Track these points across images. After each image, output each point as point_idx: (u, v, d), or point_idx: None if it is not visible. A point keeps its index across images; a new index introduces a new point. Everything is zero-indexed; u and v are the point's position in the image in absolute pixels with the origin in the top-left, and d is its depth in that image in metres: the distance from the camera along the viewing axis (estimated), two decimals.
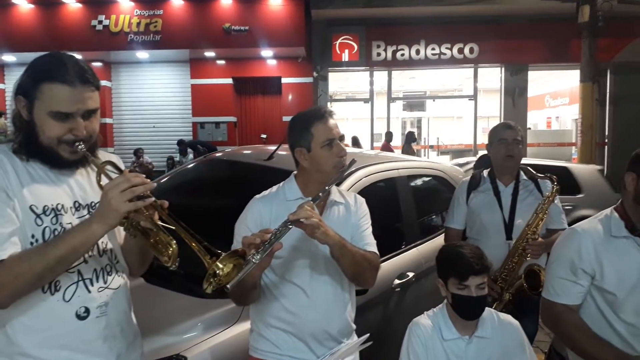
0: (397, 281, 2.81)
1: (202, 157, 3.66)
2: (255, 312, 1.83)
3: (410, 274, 2.90)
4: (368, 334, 1.82)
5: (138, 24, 11.28)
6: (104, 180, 1.33)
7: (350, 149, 5.51)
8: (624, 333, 1.71)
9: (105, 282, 1.43)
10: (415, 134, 14.42)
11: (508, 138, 2.71)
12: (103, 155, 1.49)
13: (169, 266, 1.31)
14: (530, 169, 2.85)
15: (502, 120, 12.07)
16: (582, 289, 1.78)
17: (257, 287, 1.70)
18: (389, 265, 2.83)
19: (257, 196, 1.85)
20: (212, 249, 1.27)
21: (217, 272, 1.26)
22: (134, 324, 1.57)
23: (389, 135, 11.63)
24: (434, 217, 3.72)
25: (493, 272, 2.61)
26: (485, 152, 3.19)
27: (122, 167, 1.45)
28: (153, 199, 1.27)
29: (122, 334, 1.47)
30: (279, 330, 1.76)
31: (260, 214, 1.77)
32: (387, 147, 11.22)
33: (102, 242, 1.44)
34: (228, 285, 1.32)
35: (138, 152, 11.53)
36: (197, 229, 2.64)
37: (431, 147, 13.34)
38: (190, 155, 11.26)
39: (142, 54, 11.82)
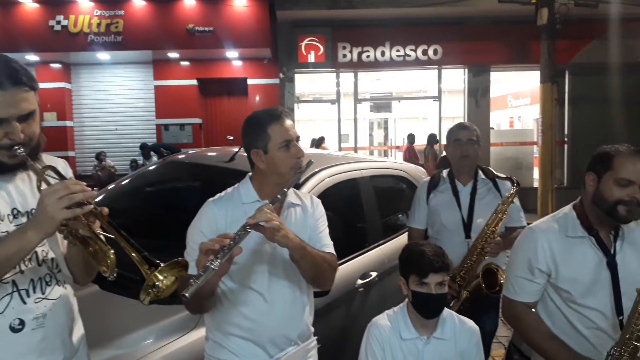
0: (360, 281, 2.81)
1: (162, 159, 3.57)
2: (212, 320, 1.78)
3: (374, 274, 2.91)
4: (315, 338, 1.80)
5: (98, 24, 11.00)
6: (44, 187, 1.28)
7: (313, 150, 5.54)
8: (581, 329, 1.75)
9: (43, 293, 1.37)
10: (383, 135, 14.60)
11: (462, 138, 2.76)
12: (48, 159, 1.43)
13: (107, 276, 1.26)
14: (491, 169, 2.90)
15: (466, 120, 12.34)
16: (539, 286, 1.82)
17: (214, 294, 1.64)
18: (352, 266, 2.83)
19: (211, 199, 1.80)
20: (152, 259, 1.23)
21: (157, 283, 1.22)
22: (80, 335, 1.51)
23: (411, 137, 11.46)
24: (396, 216, 3.75)
25: (452, 270, 2.64)
26: None
27: (69, 172, 1.41)
28: (92, 206, 1.23)
29: (63, 346, 1.41)
30: (237, 338, 1.72)
31: (215, 218, 1.71)
32: (410, 149, 11.11)
33: (43, 251, 1.38)
34: (186, 294, 1.29)
35: (100, 156, 11.28)
36: (154, 233, 2.59)
37: (397, 147, 13.47)
38: (154, 159, 11.05)
39: (103, 55, 11.53)
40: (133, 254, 1.21)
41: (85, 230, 1.26)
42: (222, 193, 1.82)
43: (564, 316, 1.79)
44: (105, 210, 1.28)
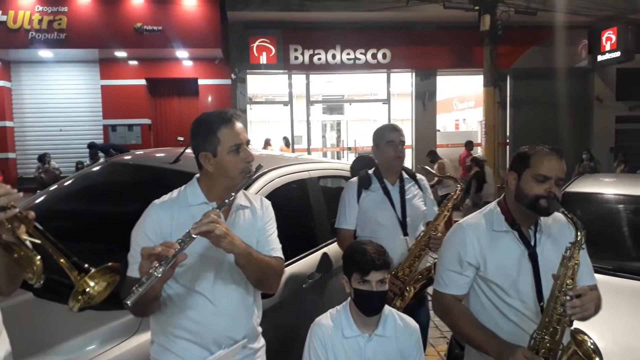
0: (307, 281, 2.84)
1: (105, 160, 3.48)
2: (157, 323, 1.73)
3: (321, 273, 2.94)
4: (245, 339, 1.78)
5: (40, 21, 10.61)
6: None
7: (263, 151, 5.51)
8: (512, 317, 1.85)
9: None
10: (336, 137, 14.74)
11: (395, 140, 2.82)
12: None
13: (34, 284, 1.21)
14: (409, 168, 3.01)
15: (414, 123, 12.68)
16: (468, 279, 1.92)
17: (159, 298, 1.61)
18: (300, 266, 2.85)
19: (156, 201, 1.75)
20: (82, 264, 1.18)
21: (87, 289, 1.17)
22: (5, 347, 1.43)
23: (470, 144, 11.00)
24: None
25: (393, 268, 2.71)
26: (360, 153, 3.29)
27: None
28: (17, 210, 1.18)
29: None
30: (183, 340, 1.69)
31: (159, 221, 1.67)
32: (468, 154, 10.67)
33: None
34: (128, 302, 1.25)
35: (44, 158, 10.82)
36: (95, 236, 2.53)
37: (349, 149, 13.64)
38: (102, 160, 10.72)
39: (46, 53, 11.12)
40: (61, 260, 1.16)
41: (9, 235, 1.19)
42: (168, 195, 1.78)
43: (496, 308, 1.87)
44: (32, 214, 1.22)
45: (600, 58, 12.67)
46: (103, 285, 1.21)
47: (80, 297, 1.18)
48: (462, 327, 1.89)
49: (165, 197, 1.77)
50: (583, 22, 12.09)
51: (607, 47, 12.43)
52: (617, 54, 12.20)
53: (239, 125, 1.72)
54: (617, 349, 2.17)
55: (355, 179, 2.96)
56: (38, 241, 1.20)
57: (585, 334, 1.64)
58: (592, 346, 1.59)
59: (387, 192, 2.84)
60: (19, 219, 1.20)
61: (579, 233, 1.68)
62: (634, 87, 13.41)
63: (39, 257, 1.20)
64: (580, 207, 3.32)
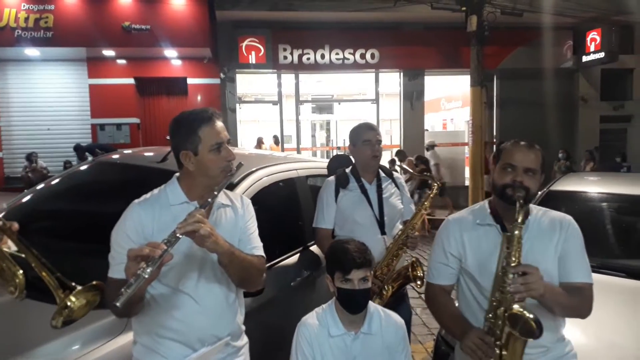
0: (296, 279, 2.85)
1: (91, 159, 3.46)
2: (140, 323, 1.73)
3: (309, 272, 2.96)
4: (228, 337, 1.78)
5: (26, 19, 10.48)
6: None
7: (252, 150, 5.45)
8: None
9: None
10: (326, 136, 14.78)
11: (372, 139, 2.83)
12: None
13: (16, 297, 1.20)
14: (385, 167, 3.03)
15: (402, 123, 12.75)
16: (453, 270, 1.98)
17: (143, 298, 1.61)
18: (287, 264, 2.87)
19: (136, 201, 1.74)
20: (66, 281, 1.17)
21: (70, 305, 1.16)
22: None
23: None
24: None
25: (373, 266, 2.75)
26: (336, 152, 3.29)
27: None
28: (0, 222, 1.17)
29: None
30: (168, 340, 1.69)
31: (141, 221, 1.66)
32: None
33: None
34: (117, 304, 1.25)
35: (31, 157, 10.76)
36: (81, 236, 2.51)
37: (338, 148, 13.68)
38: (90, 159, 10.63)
39: (33, 52, 11.01)
40: (44, 274, 1.15)
41: None
42: (148, 194, 1.77)
43: (476, 301, 1.91)
44: (15, 226, 1.20)
45: (585, 59, 12.83)
46: (83, 302, 1.20)
47: (63, 311, 1.17)
48: (440, 314, 1.97)
49: (145, 197, 1.76)
50: (568, 24, 12.24)
51: (592, 48, 12.60)
52: (602, 54, 12.37)
53: (219, 123, 1.72)
54: (601, 346, 2.23)
55: (332, 177, 2.95)
56: (22, 255, 1.17)
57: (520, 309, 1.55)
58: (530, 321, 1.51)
59: (364, 191, 2.86)
60: (2, 231, 1.19)
61: (520, 216, 1.69)
62: (618, 88, 13.64)
63: (21, 271, 1.18)
64: (564, 206, 3.37)
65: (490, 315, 1.69)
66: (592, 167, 11.35)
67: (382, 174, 2.95)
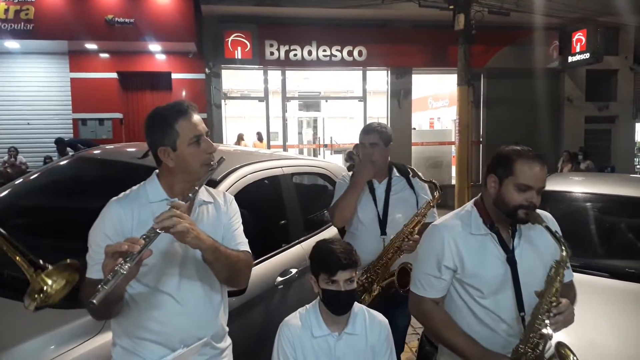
0: (279, 278, 2.81)
1: (72, 155, 3.38)
2: (119, 325, 1.68)
3: (294, 271, 2.92)
4: (206, 339, 1.73)
5: (6, 10, 10.24)
6: None
7: (236, 147, 5.40)
8: (487, 321, 1.84)
9: None
10: (313, 133, 14.71)
11: (365, 142, 2.82)
12: None
13: None
14: (408, 166, 2.96)
15: (390, 121, 12.74)
16: (446, 283, 1.90)
17: (122, 299, 1.55)
18: (272, 263, 2.83)
19: (114, 199, 1.69)
20: (38, 262, 1.13)
21: (45, 287, 1.13)
22: None
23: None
24: (319, 213, 3.79)
25: (367, 264, 2.70)
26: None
27: None
28: None
29: None
30: (148, 342, 1.64)
31: (119, 219, 1.61)
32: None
33: None
34: (94, 300, 1.20)
35: (10, 151, 10.53)
36: (59, 232, 2.44)
37: (325, 146, 13.64)
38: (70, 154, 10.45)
39: (12, 44, 10.76)
40: (17, 258, 1.12)
41: None
42: (127, 191, 1.73)
43: (470, 310, 1.86)
44: None
45: (570, 59, 12.95)
46: (61, 283, 1.17)
47: (37, 295, 1.13)
48: (445, 335, 1.87)
49: (124, 194, 1.71)
50: (554, 24, 12.33)
51: (577, 49, 12.71)
52: (587, 55, 12.48)
53: (196, 116, 1.68)
54: (582, 345, 2.22)
55: (347, 174, 3.00)
56: None
57: (569, 348, 1.66)
58: None
59: (372, 190, 2.84)
60: None
61: (564, 252, 1.68)
62: (603, 88, 13.79)
63: None
64: (548, 206, 3.36)
65: (522, 347, 1.70)
66: (570, 169, 11.10)
67: (396, 174, 2.90)
